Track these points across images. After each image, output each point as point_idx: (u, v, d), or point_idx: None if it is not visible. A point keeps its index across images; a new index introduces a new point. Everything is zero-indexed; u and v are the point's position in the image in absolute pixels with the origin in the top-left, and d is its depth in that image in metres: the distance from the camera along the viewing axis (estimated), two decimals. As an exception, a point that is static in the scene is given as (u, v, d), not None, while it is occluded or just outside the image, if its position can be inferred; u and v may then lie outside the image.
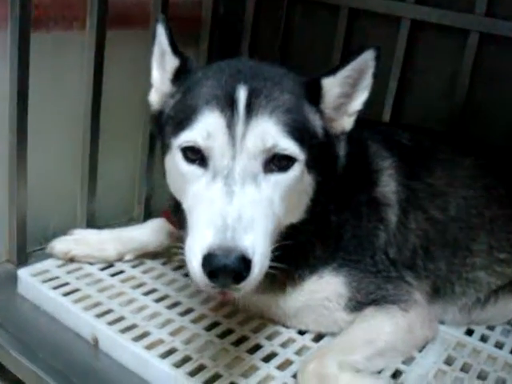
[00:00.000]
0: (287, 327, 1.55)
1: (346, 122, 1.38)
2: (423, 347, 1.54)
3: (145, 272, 1.75)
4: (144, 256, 1.80)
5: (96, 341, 1.46)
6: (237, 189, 1.15)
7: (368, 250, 1.52)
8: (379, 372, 1.42)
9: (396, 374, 1.44)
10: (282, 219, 1.26)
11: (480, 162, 1.72)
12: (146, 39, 1.85)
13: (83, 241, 1.75)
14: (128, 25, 1.90)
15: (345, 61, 1.34)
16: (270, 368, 1.40)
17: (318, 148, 1.31)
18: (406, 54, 2.08)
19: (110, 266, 1.74)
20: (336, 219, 1.48)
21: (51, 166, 1.82)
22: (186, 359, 1.39)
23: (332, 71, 1.34)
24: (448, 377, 1.46)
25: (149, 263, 1.80)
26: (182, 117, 1.26)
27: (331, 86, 1.34)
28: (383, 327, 1.45)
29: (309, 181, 1.31)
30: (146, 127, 2.02)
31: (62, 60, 1.74)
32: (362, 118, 1.42)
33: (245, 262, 1.06)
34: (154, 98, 1.44)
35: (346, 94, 1.36)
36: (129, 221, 2.07)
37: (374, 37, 2.16)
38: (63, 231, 1.79)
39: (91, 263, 1.72)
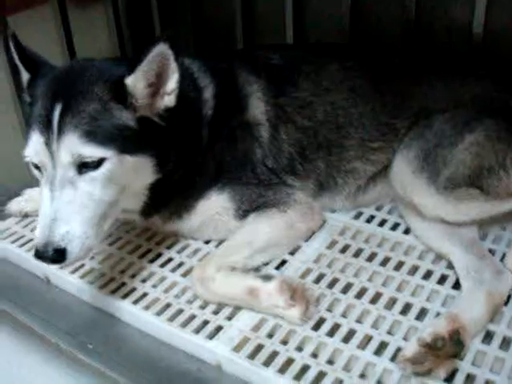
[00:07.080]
0: (195, 239, 1.87)
1: (167, 100, 1.55)
2: (310, 237, 1.82)
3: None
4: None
5: (47, 278, 1.84)
6: (57, 193, 1.44)
7: (248, 166, 1.78)
8: (267, 264, 1.73)
9: (282, 264, 1.74)
10: (123, 192, 1.54)
11: (347, 65, 1.89)
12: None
13: (32, 199, 2.06)
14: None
15: (140, 56, 1.47)
16: (176, 275, 1.74)
17: (136, 135, 1.52)
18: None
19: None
20: (202, 159, 1.74)
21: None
22: (111, 280, 1.75)
23: (131, 69, 1.48)
24: (326, 258, 1.74)
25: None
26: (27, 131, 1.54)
27: (135, 82, 1.49)
28: (262, 228, 1.73)
29: (137, 160, 1.52)
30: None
31: None
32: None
33: (59, 251, 1.40)
34: None
35: (155, 83, 1.52)
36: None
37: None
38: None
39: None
